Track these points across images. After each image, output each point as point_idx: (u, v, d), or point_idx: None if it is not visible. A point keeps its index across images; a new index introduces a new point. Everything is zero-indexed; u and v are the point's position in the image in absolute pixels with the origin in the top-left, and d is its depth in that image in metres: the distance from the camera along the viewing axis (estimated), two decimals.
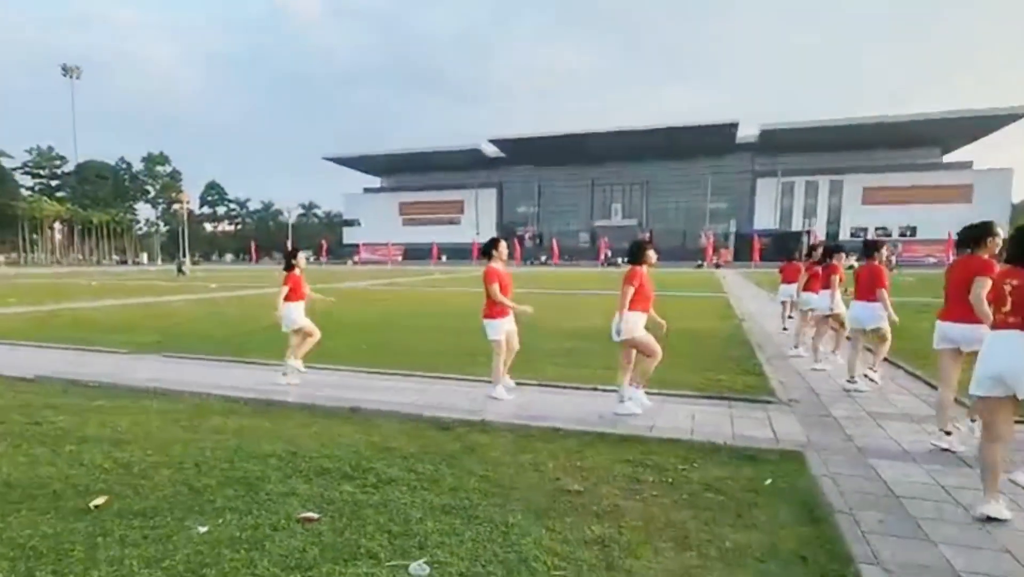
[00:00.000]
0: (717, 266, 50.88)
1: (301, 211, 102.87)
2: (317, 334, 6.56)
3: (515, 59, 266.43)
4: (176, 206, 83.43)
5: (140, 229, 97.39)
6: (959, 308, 4.21)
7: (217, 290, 23.15)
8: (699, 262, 54.47)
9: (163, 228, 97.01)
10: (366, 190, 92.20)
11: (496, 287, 5.63)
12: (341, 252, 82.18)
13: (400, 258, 75.71)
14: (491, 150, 77.69)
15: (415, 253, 75.42)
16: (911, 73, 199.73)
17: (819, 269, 7.99)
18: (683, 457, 4.19)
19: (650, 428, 4.85)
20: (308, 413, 5.30)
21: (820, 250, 8.44)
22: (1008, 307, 3.32)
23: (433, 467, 3.95)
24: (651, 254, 5.45)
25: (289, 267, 6.53)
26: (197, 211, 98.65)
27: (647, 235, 65.92)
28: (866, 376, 6.23)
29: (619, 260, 52.57)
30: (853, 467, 4.07)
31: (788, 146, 65.32)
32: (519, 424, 4.91)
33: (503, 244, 5.89)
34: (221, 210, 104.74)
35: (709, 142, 65.59)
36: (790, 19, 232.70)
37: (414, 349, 8.76)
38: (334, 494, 3.49)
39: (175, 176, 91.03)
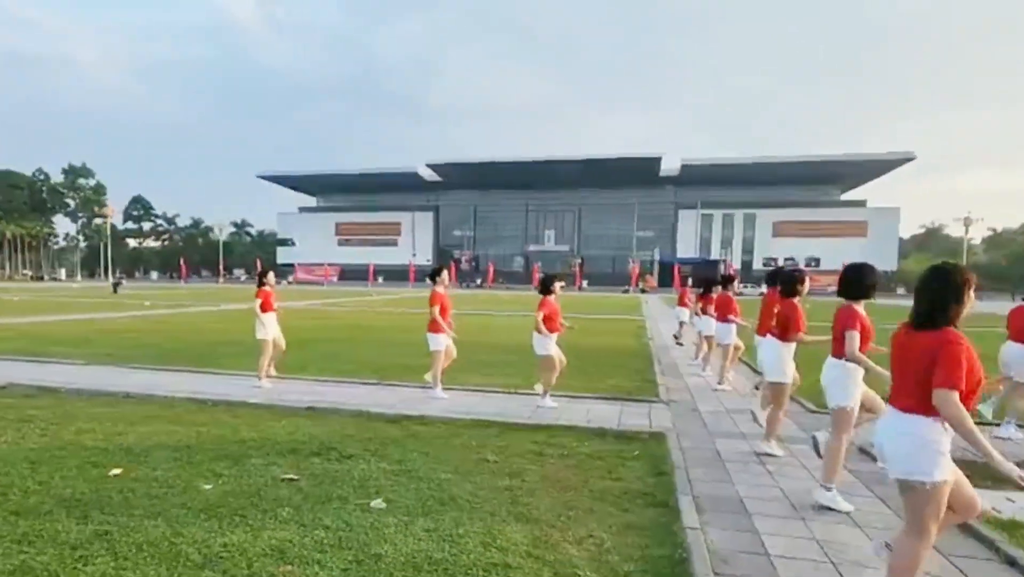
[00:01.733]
0: (643, 291, 53.82)
1: (233, 229, 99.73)
2: (282, 344, 7.60)
3: (457, 84, 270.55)
4: (99, 220, 79.23)
5: (56, 243, 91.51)
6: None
7: (152, 308, 22.98)
8: (626, 287, 57.59)
9: (83, 243, 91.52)
10: (302, 209, 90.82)
11: (437, 308, 6.85)
12: (276, 272, 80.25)
13: (336, 278, 75.02)
14: (428, 174, 78.81)
15: (352, 274, 74.94)
16: (823, 117, 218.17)
17: (714, 296, 9.59)
18: (577, 438, 5.48)
19: (556, 420, 6.12)
20: (273, 412, 6.26)
21: (737, 280, 10.07)
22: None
23: (382, 446, 5.05)
24: (557, 285, 6.81)
25: (261, 284, 7.57)
26: (121, 226, 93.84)
27: (579, 261, 68.92)
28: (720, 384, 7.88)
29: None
30: (699, 442, 5.50)
31: (707, 180, 70.30)
32: (451, 417, 6.09)
33: (445, 272, 7.15)
34: (147, 225, 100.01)
35: (636, 174, 69.55)
36: (722, 61, 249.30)
37: (360, 360, 9.73)
38: (306, 464, 4.54)
39: (99, 189, 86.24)
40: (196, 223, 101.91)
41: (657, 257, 67.89)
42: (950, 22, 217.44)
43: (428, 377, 7.12)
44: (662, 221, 73.97)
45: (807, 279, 5.28)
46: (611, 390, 7.70)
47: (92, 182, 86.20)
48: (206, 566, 2.97)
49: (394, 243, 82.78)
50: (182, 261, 76.59)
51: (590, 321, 19.84)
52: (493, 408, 6.58)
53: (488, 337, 13.39)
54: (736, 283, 9.48)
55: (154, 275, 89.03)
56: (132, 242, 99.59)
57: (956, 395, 2.36)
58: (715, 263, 61.81)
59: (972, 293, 2.54)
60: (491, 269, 66.71)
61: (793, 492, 4.29)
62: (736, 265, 65.36)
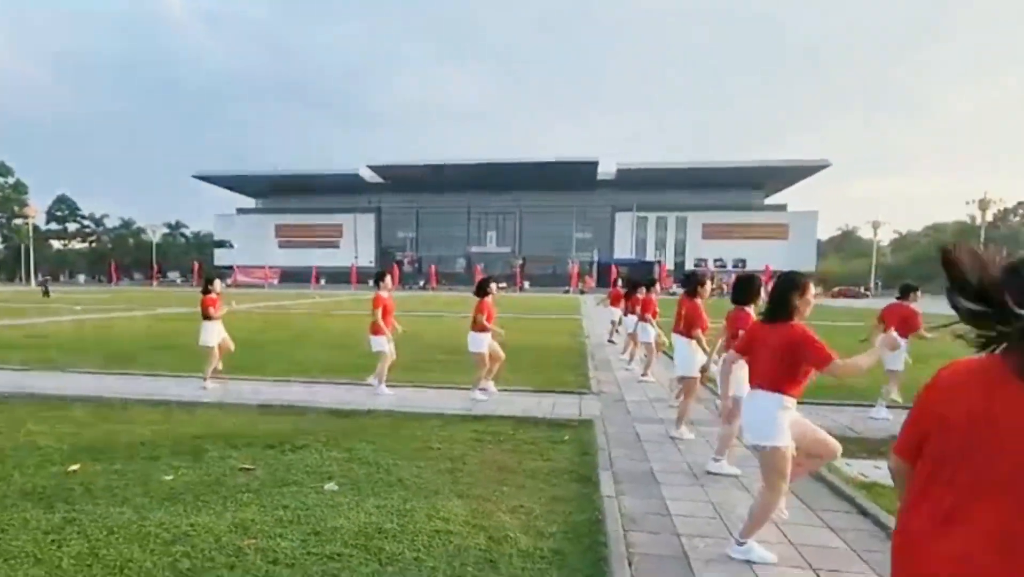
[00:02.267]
0: (582, 292, 55.24)
1: (167, 230, 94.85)
2: (230, 345, 7.78)
3: (399, 86, 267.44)
4: (19, 221, 73.68)
5: None
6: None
7: (84, 312, 21.99)
8: (566, 288, 58.98)
9: (1, 245, 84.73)
10: (240, 210, 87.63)
11: (379, 311, 7.23)
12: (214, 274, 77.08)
13: (276, 281, 72.93)
14: (370, 175, 77.92)
15: (293, 276, 73.06)
16: (754, 123, 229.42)
17: (639, 297, 10.35)
18: (514, 427, 6.01)
19: (494, 411, 6.64)
20: (225, 411, 6.48)
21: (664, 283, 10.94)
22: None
23: (332, 438, 5.41)
24: (493, 287, 7.35)
25: (207, 291, 7.67)
26: (44, 227, 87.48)
27: (520, 262, 69.92)
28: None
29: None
30: (622, 428, 6.16)
31: (642, 184, 72.94)
32: (397, 411, 6.50)
33: (389, 277, 7.53)
34: (72, 226, 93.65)
35: (575, 177, 71.36)
36: (661, 64, 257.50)
37: (306, 361, 9.92)
38: (261, 455, 4.86)
39: (19, 188, 79.98)
40: (127, 224, 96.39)
41: (596, 258, 69.79)
42: (858, 45, 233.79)
43: (371, 379, 7.51)
44: (600, 223, 76.07)
45: (708, 281, 5.98)
46: (547, 384, 8.28)
47: (11, 180, 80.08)
48: (175, 543, 3.30)
49: (336, 245, 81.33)
50: (112, 264, 72.48)
51: (530, 321, 20.56)
52: (436, 402, 7.02)
53: (429, 338, 13.77)
54: (658, 285, 10.27)
55: (81, 278, 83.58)
56: (56, 244, 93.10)
57: (838, 361, 2.98)
58: (650, 264, 64.22)
59: (810, 295, 3.26)
60: (433, 271, 66.74)
61: (697, 465, 4.97)
62: (669, 266, 68.12)
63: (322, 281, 67.74)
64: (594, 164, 69.04)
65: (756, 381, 3.33)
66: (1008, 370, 1.18)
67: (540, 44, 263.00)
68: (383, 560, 3.16)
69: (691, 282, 5.97)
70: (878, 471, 4.92)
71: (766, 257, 57.81)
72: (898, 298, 6.89)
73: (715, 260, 69.32)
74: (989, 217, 53.94)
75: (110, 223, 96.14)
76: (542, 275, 71.83)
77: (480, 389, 7.17)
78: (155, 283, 73.36)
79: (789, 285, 3.26)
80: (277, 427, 5.80)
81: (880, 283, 66.81)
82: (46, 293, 35.95)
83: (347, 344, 11.92)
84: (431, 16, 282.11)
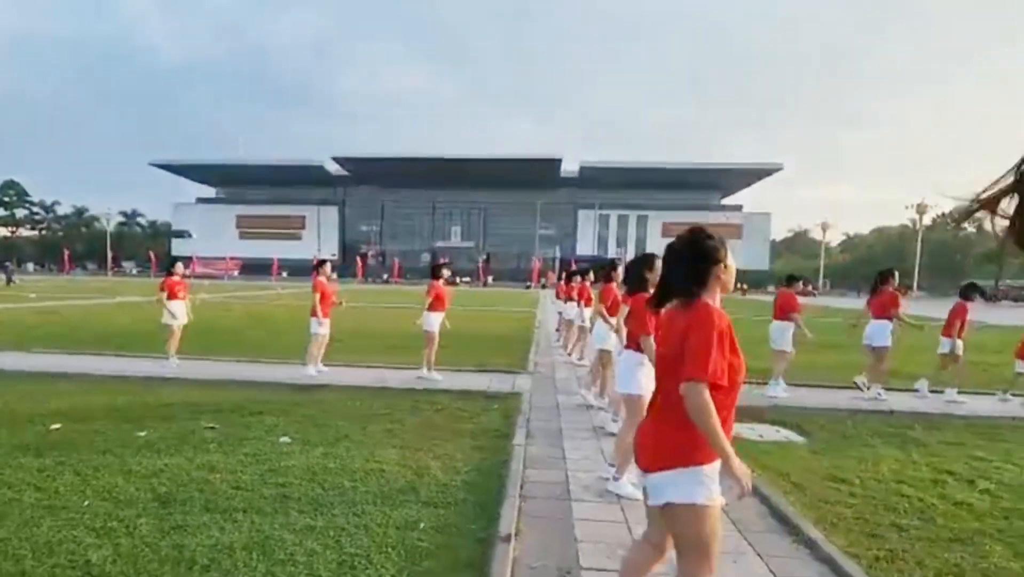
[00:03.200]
0: (543, 287, 56.36)
1: (122, 219, 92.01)
2: (188, 318, 8.50)
3: (364, 79, 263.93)
4: None
5: None
6: None
7: (38, 300, 21.91)
8: (528, 283, 60.12)
9: None
10: (199, 200, 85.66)
11: (318, 296, 7.95)
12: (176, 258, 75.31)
13: (237, 272, 71.82)
14: (334, 168, 77.35)
15: (254, 268, 72.03)
16: (713, 128, 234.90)
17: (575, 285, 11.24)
18: (452, 399, 6.84)
19: (435, 386, 7.46)
20: (191, 384, 7.16)
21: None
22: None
23: (288, 407, 6.15)
24: (445, 271, 8.15)
25: (170, 273, 8.35)
26: None
27: (484, 257, 70.66)
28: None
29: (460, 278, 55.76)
30: (546, 398, 7.07)
31: (604, 182, 74.61)
32: (348, 385, 7.26)
33: (327, 265, 8.27)
34: (21, 213, 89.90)
35: (538, 174, 72.47)
36: (622, 67, 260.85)
37: (267, 343, 10.54)
38: (224, 418, 5.59)
39: None
40: (79, 211, 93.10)
41: (558, 255, 71.00)
42: (804, 58, 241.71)
43: (312, 367, 8.16)
44: (563, 220, 77.42)
45: (619, 267, 6.88)
46: (490, 364, 9.15)
47: None
48: (153, 476, 4.04)
49: (299, 237, 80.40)
50: (65, 252, 70.15)
51: (489, 312, 21.47)
52: (385, 379, 7.80)
53: (385, 325, 14.49)
54: (590, 275, 11.09)
55: (30, 267, 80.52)
56: (3, 231, 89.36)
57: (649, 338, 3.89)
58: (611, 261, 65.53)
59: (657, 270, 4.20)
60: (396, 265, 66.96)
61: (600, 424, 5.91)
62: None
63: (284, 273, 67.06)
64: (557, 161, 70.23)
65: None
66: None
67: (511, 41, 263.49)
68: (325, 487, 3.97)
69: (604, 268, 6.94)
70: (751, 431, 5.94)
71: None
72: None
73: None
74: (928, 221, 57.14)
75: (62, 210, 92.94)
76: (506, 270, 72.74)
77: (427, 368, 7.97)
78: (110, 273, 71.46)
79: (640, 262, 4.23)
80: (239, 398, 6.50)
81: (829, 282, 69.92)
82: (9, 281, 35.09)
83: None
84: (390, 7, 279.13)
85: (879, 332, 7.56)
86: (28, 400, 6.11)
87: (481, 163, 71.46)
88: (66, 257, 69.55)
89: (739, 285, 54.59)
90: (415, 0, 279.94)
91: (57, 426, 5.13)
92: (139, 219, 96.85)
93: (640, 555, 2.33)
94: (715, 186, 76.60)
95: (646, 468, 2.10)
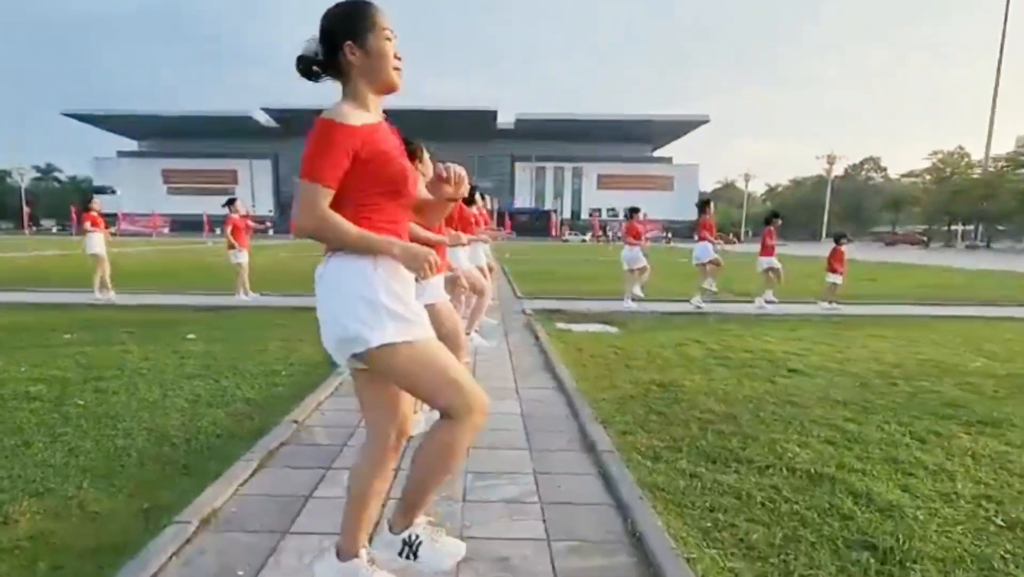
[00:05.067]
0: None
1: (37, 174, 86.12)
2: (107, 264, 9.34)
3: (291, 24, 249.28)
4: None
5: None
6: None
7: None
8: None
9: None
10: (121, 154, 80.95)
11: (229, 228, 9.03)
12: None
13: (167, 230, 69.29)
14: (265, 119, 74.77)
15: (185, 225, 69.69)
16: (649, 82, 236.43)
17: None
18: None
19: None
20: (118, 309, 8.23)
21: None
22: None
23: (199, 319, 7.32)
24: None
25: (87, 209, 9.31)
26: None
27: None
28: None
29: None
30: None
31: (540, 135, 75.49)
32: (257, 307, 8.45)
33: (237, 202, 9.38)
34: None
35: (475, 126, 72.49)
36: (557, 28, 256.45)
37: (190, 280, 11.48)
38: (142, 328, 6.71)
39: None
40: None
41: (496, 207, 72.02)
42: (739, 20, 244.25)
43: (241, 294, 9.35)
44: (500, 173, 78.17)
45: (480, 196, 8.12)
46: None
47: None
48: (76, 357, 5.19)
49: (231, 192, 77.94)
50: None
51: None
52: (295, 304, 9.00)
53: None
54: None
55: None
56: None
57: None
58: (547, 213, 67.44)
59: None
60: None
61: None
62: (566, 214, 71.81)
63: (216, 230, 65.36)
64: (493, 113, 70.38)
65: None
66: None
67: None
68: (217, 359, 5.23)
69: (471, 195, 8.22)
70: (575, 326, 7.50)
71: (655, 206, 62.47)
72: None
73: (608, 209, 73.74)
74: (840, 171, 61.21)
75: None
76: None
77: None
78: (28, 231, 67.68)
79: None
80: (157, 317, 7.61)
81: (751, 231, 74.03)
82: None
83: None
84: None
85: (702, 251, 9.59)
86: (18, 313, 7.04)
87: (417, 114, 70.63)
88: None
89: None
90: None
91: (69, 337, 6.14)
92: (56, 174, 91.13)
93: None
94: (646, 139, 78.74)
95: None
